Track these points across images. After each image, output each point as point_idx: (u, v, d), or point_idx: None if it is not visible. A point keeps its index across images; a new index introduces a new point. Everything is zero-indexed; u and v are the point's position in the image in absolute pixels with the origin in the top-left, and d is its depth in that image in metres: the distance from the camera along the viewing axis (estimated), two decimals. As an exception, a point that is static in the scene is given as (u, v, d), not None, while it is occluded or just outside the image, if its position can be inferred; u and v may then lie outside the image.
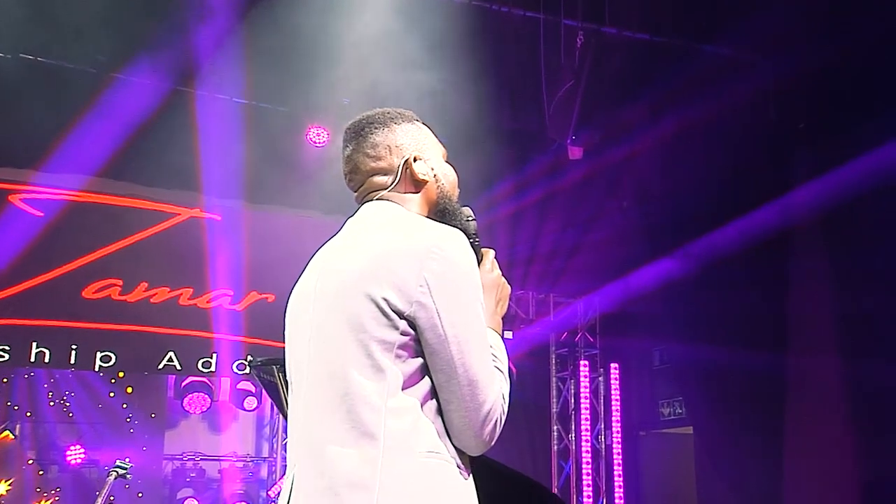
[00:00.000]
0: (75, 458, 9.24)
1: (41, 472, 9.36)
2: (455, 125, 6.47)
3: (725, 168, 7.31)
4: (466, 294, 1.74)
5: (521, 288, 8.97)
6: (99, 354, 7.34)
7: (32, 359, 7.19)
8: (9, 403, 9.32)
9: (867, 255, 6.72)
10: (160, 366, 7.55)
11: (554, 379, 9.47)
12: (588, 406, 9.31)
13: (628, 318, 9.07)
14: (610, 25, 7.02)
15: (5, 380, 9.34)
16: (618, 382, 9.35)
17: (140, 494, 9.48)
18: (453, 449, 1.73)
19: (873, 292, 6.67)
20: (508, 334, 8.80)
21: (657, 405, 9.63)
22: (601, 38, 7.11)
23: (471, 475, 1.77)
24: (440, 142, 2.09)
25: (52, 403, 9.55)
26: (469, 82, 6.81)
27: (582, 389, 9.29)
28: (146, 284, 7.52)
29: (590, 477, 9.14)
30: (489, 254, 2.00)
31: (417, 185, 1.97)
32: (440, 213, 1.99)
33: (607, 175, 8.00)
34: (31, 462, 9.33)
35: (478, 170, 6.99)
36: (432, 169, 2.00)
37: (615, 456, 9.21)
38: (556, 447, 9.31)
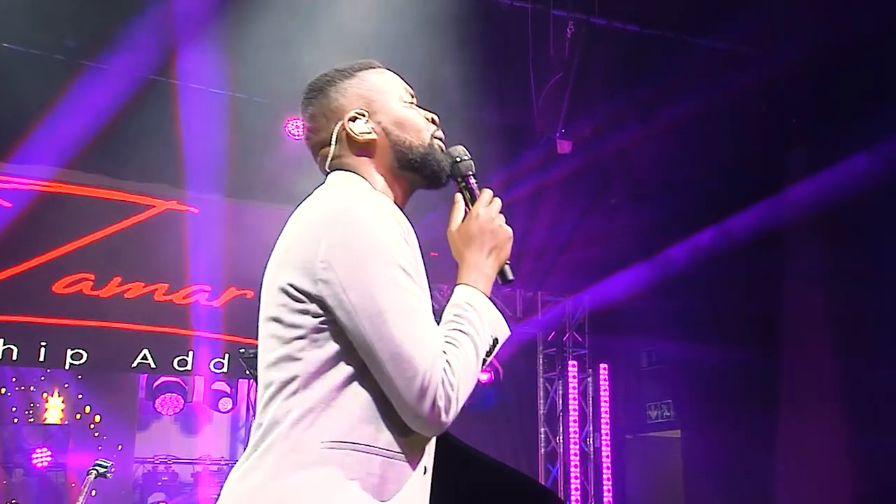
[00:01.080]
0: (41, 462, 9.24)
1: (3, 481, 9.36)
2: (441, 118, 6.56)
3: (717, 164, 7.34)
4: (374, 260, 1.61)
5: (508, 286, 9.03)
6: (70, 352, 7.29)
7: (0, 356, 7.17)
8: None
9: (861, 253, 6.78)
10: (134, 364, 7.50)
11: (541, 379, 9.51)
12: (577, 408, 9.35)
13: (617, 317, 9.11)
14: (599, 16, 7.07)
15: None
16: (607, 383, 9.39)
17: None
18: (387, 435, 1.61)
19: (867, 291, 6.73)
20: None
21: (644, 408, 9.69)
22: (591, 28, 7.19)
23: (417, 463, 1.66)
24: (406, 84, 1.95)
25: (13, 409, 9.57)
26: (455, 74, 6.91)
27: (570, 390, 9.33)
28: (120, 279, 7.48)
29: (578, 480, 9.17)
30: (484, 194, 1.88)
31: (364, 146, 1.86)
32: (410, 166, 1.86)
33: (597, 170, 8.08)
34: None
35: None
36: (379, 122, 1.86)
37: (604, 459, 9.24)
38: (543, 450, 9.34)
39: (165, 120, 6.59)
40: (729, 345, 7.68)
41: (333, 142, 1.85)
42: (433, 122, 1.93)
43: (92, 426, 9.72)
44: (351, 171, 1.84)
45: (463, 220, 1.86)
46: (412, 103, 1.93)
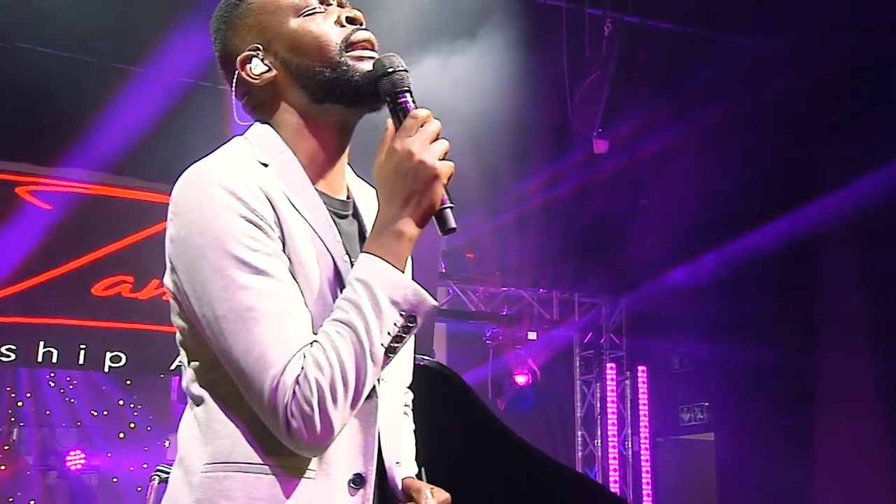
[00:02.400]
0: (75, 464, 9.53)
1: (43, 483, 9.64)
2: (478, 117, 6.71)
3: (754, 167, 7.40)
4: (206, 258, 1.38)
5: (545, 288, 9.19)
6: (108, 354, 7.38)
7: (40, 359, 7.25)
8: (12, 396, 9.61)
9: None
10: (172, 366, 7.51)
11: (578, 382, 9.58)
12: (615, 410, 9.39)
13: (655, 319, 9.17)
14: (634, 14, 7.16)
15: (9, 388, 9.62)
16: (645, 386, 9.43)
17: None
18: (266, 453, 1.41)
19: None
20: (532, 335, 9.04)
21: (677, 410, 9.74)
22: (628, 27, 7.31)
23: (327, 476, 1.43)
24: None
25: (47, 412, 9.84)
26: (492, 73, 7.05)
27: (608, 393, 9.38)
28: (158, 282, 7.46)
29: (617, 484, 9.20)
30: (409, 121, 1.45)
31: (269, 90, 1.57)
32: (323, 95, 1.55)
33: (633, 171, 8.17)
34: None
35: (501, 164, 7.24)
36: (275, 53, 1.56)
37: (643, 463, 9.31)
38: (580, 453, 9.42)
39: (214, 123, 6.75)
40: (765, 347, 7.72)
41: (233, 91, 1.60)
42: (349, 21, 1.58)
43: (125, 433, 9.99)
44: (263, 122, 1.60)
45: (382, 158, 1.47)
46: (319, 8, 1.58)
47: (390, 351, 1.40)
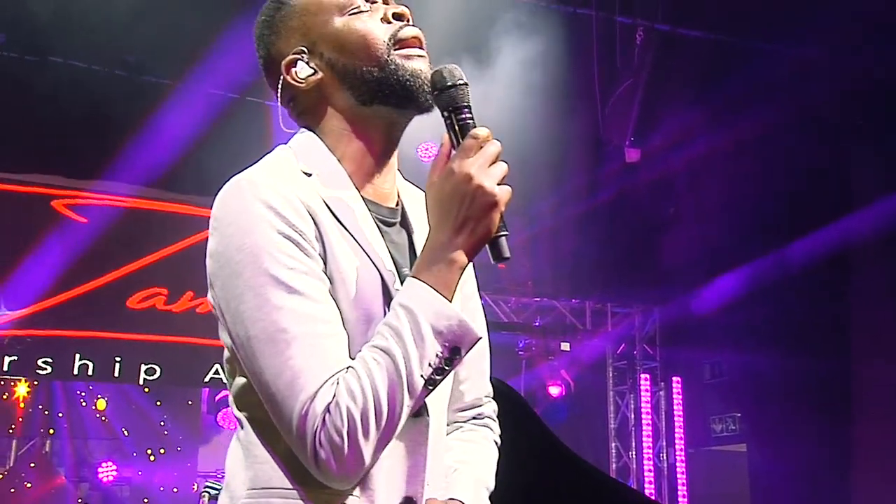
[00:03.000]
0: (107, 476, 9.64)
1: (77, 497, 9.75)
2: (510, 128, 6.75)
3: (789, 177, 7.37)
4: (241, 276, 1.34)
5: (577, 298, 9.21)
6: (143, 367, 7.49)
7: (76, 371, 7.36)
8: (45, 414, 9.75)
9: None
10: (206, 379, 7.70)
11: (611, 393, 9.53)
12: (650, 422, 9.33)
13: (689, 330, 9.10)
14: (664, 22, 7.19)
15: (41, 406, 9.73)
16: (680, 397, 9.36)
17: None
18: (304, 480, 1.36)
19: None
20: (565, 346, 9.06)
21: (708, 421, 9.71)
22: (659, 35, 7.33)
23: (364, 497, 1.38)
24: None
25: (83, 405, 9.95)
26: (523, 84, 7.10)
27: (643, 404, 9.32)
28: (192, 294, 7.66)
29: (652, 497, 8.98)
30: (468, 141, 1.38)
31: (315, 93, 1.52)
32: (371, 96, 1.49)
33: (667, 182, 8.15)
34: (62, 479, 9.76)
35: (535, 175, 7.28)
36: (321, 55, 1.51)
37: (679, 475, 9.23)
38: (614, 465, 9.34)
39: (252, 137, 6.79)
40: (799, 357, 7.68)
41: (279, 98, 1.54)
42: (396, 17, 1.52)
43: (152, 453, 10.09)
44: (304, 131, 1.56)
45: (437, 177, 1.40)
46: (364, 7, 1.52)
47: (430, 383, 1.33)
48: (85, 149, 6.99)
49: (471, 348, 1.36)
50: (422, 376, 1.32)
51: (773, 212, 7.53)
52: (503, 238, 1.39)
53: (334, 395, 1.29)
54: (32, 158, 7.30)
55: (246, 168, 1.46)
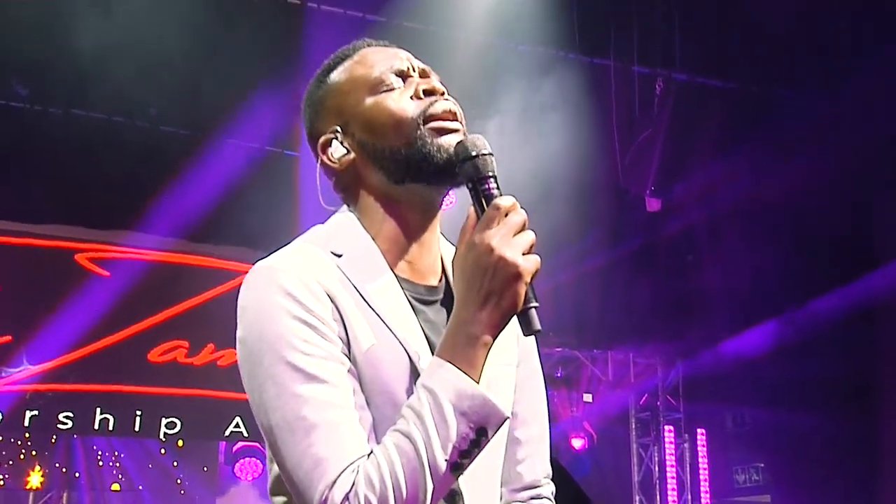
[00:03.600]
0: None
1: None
2: (534, 178, 6.81)
3: (811, 232, 7.34)
4: (261, 364, 1.34)
5: (599, 348, 9.19)
6: (164, 421, 7.50)
7: (97, 426, 7.38)
8: (59, 467, 9.78)
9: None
10: (227, 432, 7.68)
11: (635, 445, 9.46)
12: (674, 475, 9.24)
13: (712, 383, 9.06)
14: (682, 71, 7.19)
15: (58, 464, 9.78)
16: (705, 449, 9.28)
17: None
18: None
19: None
20: (588, 397, 9.03)
21: (731, 471, 9.62)
22: (678, 85, 7.36)
23: None
24: (390, 57, 1.54)
25: (100, 464, 9.97)
26: (544, 134, 7.15)
27: (667, 456, 9.24)
28: (213, 346, 7.69)
29: None
30: (489, 210, 1.34)
31: (351, 173, 1.51)
32: (402, 175, 1.47)
33: (688, 233, 8.12)
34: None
35: (560, 224, 7.30)
36: (353, 135, 1.50)
37: (705, 530, 9.11)
38: (638, 519, 9.28)
39: (277, 190, 6.81)
40: (825, 413, 7.65)
41: (318, 179, 1.54)
42: (427, 92, 1.49)
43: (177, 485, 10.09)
44: (344, 208, 1.55)
45: (462, 249, 1.36)
46: (395, 85, 1.50)
47: (456, 468, 1.29)
48: (107, 201, 7.04)
49: (499, 428, 1.32)
50: (446, 460, 1.27)
51: (796, 267, 7.48)
52: (532, 310, 1.33)
53: (353, 484, 1.27)
54: (55, 210, 7.34)
55: (271, 253, 1.46)
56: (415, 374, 1.38)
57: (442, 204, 1.54)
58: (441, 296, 1.53)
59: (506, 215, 1.33)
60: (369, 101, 1.49)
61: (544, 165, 7.12)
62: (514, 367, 1.58)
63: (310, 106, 1.58)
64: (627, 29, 6.96)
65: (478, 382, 1.31)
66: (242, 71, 6.14)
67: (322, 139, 1.52)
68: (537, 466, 1.67)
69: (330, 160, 1.51)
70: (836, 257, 7.46)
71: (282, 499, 1.44)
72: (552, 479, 1.69)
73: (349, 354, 1.37)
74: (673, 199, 7.81)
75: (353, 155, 1.50)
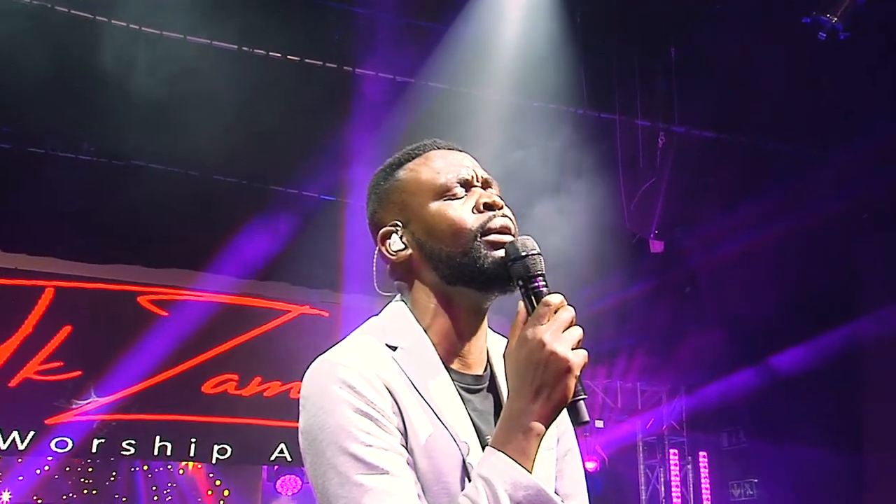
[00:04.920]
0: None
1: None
2: (546, 226, 6.64)
3: (801, 278, 7.13)
4: (323, 454, 1.27)
5: (609, 379, 8.95)
6: (216, 447, 7.43)
7: (156, 452, 7.30)
8: (119, 497, 9.57)
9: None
10: (272, 457, 7.59)
11: (642, 467, 9.30)
12: (679, 494, 9.10)
13: (711, 411, 8.88)
14: (679, 124, 7.11)
15: (114, 474, 9.59)
16: (707, 470, 9.15)
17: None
18: None
19: None
20: (600, 423, 8.79)
21: (727, 486, 9.38)
22: (678, 137, 7.24)
23: None
24: (460, 166, 1.45)
25: (156, 497, 9.76)
26: (556, 185, 7.00)
27: (672, 477, 9.11)
28: (260, 379, 7.64)
29: None
30: (540, 307, 1.28)
31: (405, 266, 1.44)
32: (454, 279, 1.39)
33: (690, 278, 7.96)
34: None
35: (575, 269, 7.10)
36: (413, 234, 1.42)
37: (709, 546, 8.98)
38: (647, 536, 9.14)
39: (326, 235, 6.74)
40: (813, 442, 7.43)
41: (375, 265, 1.46)
42: (488, 207, 1.41)
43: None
44: (399, 297, 1.48)
45: (514, 345, 1.30)
46: (458, 195, 1.43)
47: None
48: (168, 246, 7.06)
49: None
50: None
51: (791, 314, 7.26)
52: (581, 402, 1.27)
53: None
54: (117, 251, 7.32)
55: (328, 349, 1.38)
56: (463, 464, 1.32)
57: (489, 305, 1.46)
58: (486, 384, 1.46)
59: (555, 312, 1.28)
60: (433, 206, 1.42)
61: (558, 215, 6.98)
62: (554, 449, 1.50)
63: (375, 195, 1.50)
64: (631, 86, 6.86)
65: (531, 472, 1.24)
66: (295, 128, 6.08)
67: (383, 230, 1.46)
68: None
69: (388, 251, 1.45)
70: (827, 303, 7.26)
71: None
72: None
73: (406, 445, 1.30)
74: (677, 244, 7.62)
75: (410, 251, 1.44)
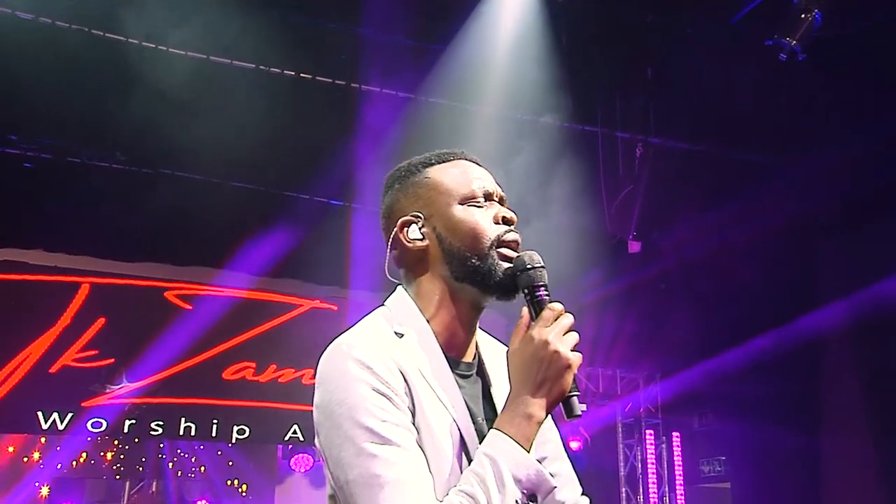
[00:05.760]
0: (202, 511, 9.49)
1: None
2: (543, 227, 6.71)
3: (768, 276, 7.18)
4: (341, 428, 1.28)
5: (592, 367, 8.99)
6: (235, 428, 7.47)
7: (181, 432, 7.35)
8: (161, 457, 9.68)
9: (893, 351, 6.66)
10: (286, 437, 7.64)
11: (621, 446, 9.35)
12: (654, 471, 9.16)
13: (685, 396, 8.89)
14: (655, 136, 7.15)
15: (136, 440, 9.64)
16: (679, 449, 9.20)
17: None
18: None
19: None
20: (583, 407, 8.82)
21: (698, 463, 9.46)
22: (654, 148, 7.29)
23: None
24: (484, 178, 1.49)
25: (172, 466, 9.84)
26: (545, 191, 7.06)
27: (648, 455, 9.16)
28: (275, 366, 7.66)
29: None
30: (545, 312, 1.34)
31: (418, 254, 1.44)
32: (464, 277, 1.42)
33: (665, 276, 8.01)
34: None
35: (559, 267, 7.16)
36: (433, 228, 1.43)
37: (679, 514, 9.08)
38: (626, 507, 9.19)
39: (333, 238, 6.76)
40: (774, 422, 7.50)
41: (388, 247, 1.47)
42: (505, 221, 1.45)
43: (243, 489, 9.93)
44: (406, 284, 1.49)
45: (518, 343, 1.35)
46: (482, 203, 1.45)
47: None
48: (191, 245, 7.10)
49: (547, 496, 1.29)
50: None
51: (755, 306, 7.34)
52: (574, 397, 1.33)
53: None
54: (146, 250, 7.42)
55: (347, 329, 1.41)
56: (463, 443, 1.36)
57: (487, 304, 1.48)
58: (475, 370, 1.49)
59: (557, 318, 1.33)
60: (458, 209, 1.44)
61: (547, 218, 7.03)
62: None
63: (399, 182, 1.50)
64: (611, 102, 6.93)
65: (529, 453, 1.29)
66: (306, 139, 6.14)
67: (404, 218, 1.46)
68: (574, 491, 1.60)
69: (405, 238, 1.45)
70: (787, 298, 7.31)
71: None
72: None
73: (414, 424, 1.33)
74: (652, 244, 7.67)
75: (427, 242, 1.44)
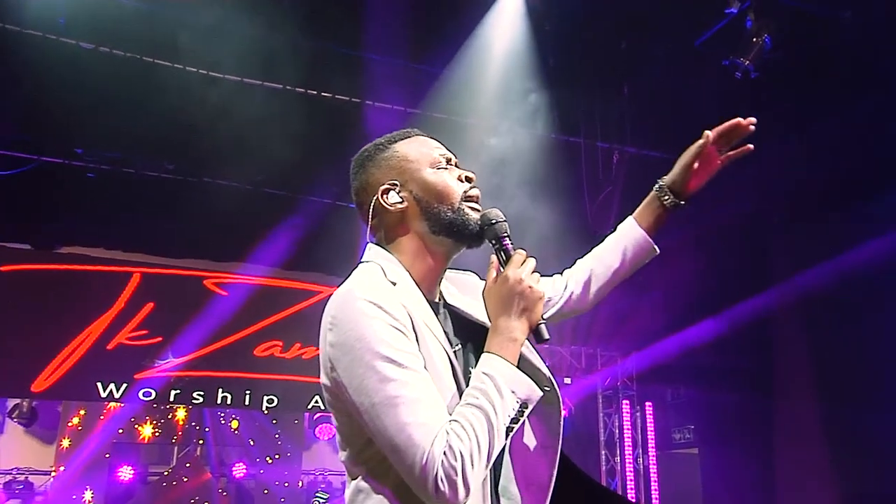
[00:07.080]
0: (239, 472, 9.61)
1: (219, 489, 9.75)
2: (527, 224, 6.78)
3: (727, 262, 7.30)
4: (362, 358, 1.30)
5: (576, 345, 9.11)
6: (265, 398, 7.51)
7: (218, 401, 7.42)
8: (193, 425, 9.81)
9: (839, 324, 6.73)
10: (309, 406, 7.72)
11: (601, 414, 9.40)
12: (630, 436, 9.24)
13: (657, 369, 8.98)
14: (631, 145, 7.27)
15: (195, 423, 9.78)
16: (652, 417, 9.26)
17: (283, 500, 9.81)
18: None
19: (846, 352, 6.62)
20: (567, 380, 8.93)
21: (670, 431, 9.55)
22: (629, 156, 7.35)
23: None
24: (442, 147, 1.56)
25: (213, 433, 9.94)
26: (534, 193, 7.13)
27: (624, 423, 9.24)
28: (300, 344, 7.68)
29: (632, 491, 9.03)
30: (516, 256, 1.44)
31: (398, 216, 1.50)
32: (441, 230, 1.49)
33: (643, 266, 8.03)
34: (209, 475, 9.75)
35: (545, 258, 7.22)
36: (410, 191, 1.50)
37: (652, 474, 9.12)
38: (604, 468, 9.23)
39: (346, 236, 6.85)
40: (736, 391, 7.59)
41: (370, 215, 1.51)
42: (467, 179, 1.53)
43: (270, 457, 10.06)
44: (383, 245, 1.53)
45: (494, 282, 1.43)
46: (446, 166, 1.53)
47: (509, 430, 1.33)
48: (226, 242, 7.24)
49: (535, 404, 1.36)
50: (504, 424, 1.31)
51: (716, 289, 7.44)
52: (543, 325, 1.43)
53: (447, 442, 1.26)
54: (188, 246, 7.54)
55: (347, 276, 1.46)
56: (451, 367, 1.41)
57: (457, 254, 1.56)
58: (443, 307, 1.56)
59: (524, 261, 1.44)
60: (430, 171, 1.51)
61: (536, 219, 7.09)
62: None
63: (370, 160, 1.55)
64: (592, 115, 7.01)
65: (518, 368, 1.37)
66: (321, 148, 6.20)
67: (383, 186, 1.51)
68: (554, 287, 1.96)
69: (385, 203, 1.50)
70: (744, 278, 7.40)
71: (364, 466, 1.40)
72: (565, 479, 1.65)
73: (419, 354, 1.38)
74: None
75: (405, 204, 1.49)
